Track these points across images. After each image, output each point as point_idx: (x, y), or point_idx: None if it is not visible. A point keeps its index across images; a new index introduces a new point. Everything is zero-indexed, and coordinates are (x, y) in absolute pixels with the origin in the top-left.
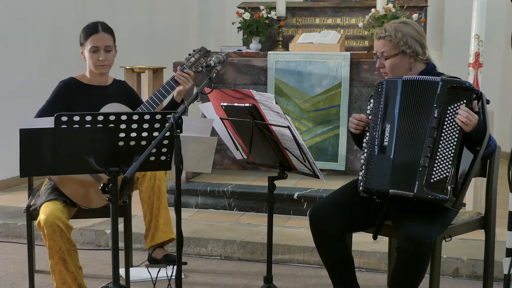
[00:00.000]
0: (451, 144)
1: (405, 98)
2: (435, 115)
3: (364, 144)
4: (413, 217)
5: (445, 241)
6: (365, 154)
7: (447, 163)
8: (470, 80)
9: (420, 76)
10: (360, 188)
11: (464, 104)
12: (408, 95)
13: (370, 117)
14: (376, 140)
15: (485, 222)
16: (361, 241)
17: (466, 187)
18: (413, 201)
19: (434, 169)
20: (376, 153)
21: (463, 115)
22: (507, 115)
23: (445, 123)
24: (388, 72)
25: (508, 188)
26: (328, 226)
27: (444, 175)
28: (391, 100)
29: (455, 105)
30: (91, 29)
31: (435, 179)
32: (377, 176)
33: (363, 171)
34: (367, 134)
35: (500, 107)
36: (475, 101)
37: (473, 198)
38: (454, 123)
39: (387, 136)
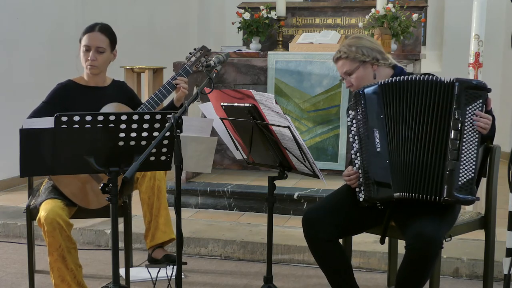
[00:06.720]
0: (474, 145)
1: (390, 101)
2: (456, 116)
3: (352, 156)
4: (421, 216)
5: (445, 241)
6: (356, 166)
7: (471, 165)
8: None
9: (413, 76)
10: (361, 199)
11: (480, 103)
12: (398, 97)
13: (352, 128)
14: (367, 147)
15: (485, 222)
16: (361, 241)
17: (479, 181)
18: (418, 200)
19: (461, 171)
20: (369, 160)
21: (482, 121)
22: (507, 115)
23: (465, 124)
24: (357, 88)
25: (508, 188)
26: (319, 229)
27: (470, 177)
28: (374, 106)
29: (473, 105)
30: (88, 27)
31: (462, 181)
32: (377, 185)
33: (359, 181)
34: (355, 145)
35: (500, 107)
36: (490, 99)
37: None
38: (473, 124)
39: (378, 142)
